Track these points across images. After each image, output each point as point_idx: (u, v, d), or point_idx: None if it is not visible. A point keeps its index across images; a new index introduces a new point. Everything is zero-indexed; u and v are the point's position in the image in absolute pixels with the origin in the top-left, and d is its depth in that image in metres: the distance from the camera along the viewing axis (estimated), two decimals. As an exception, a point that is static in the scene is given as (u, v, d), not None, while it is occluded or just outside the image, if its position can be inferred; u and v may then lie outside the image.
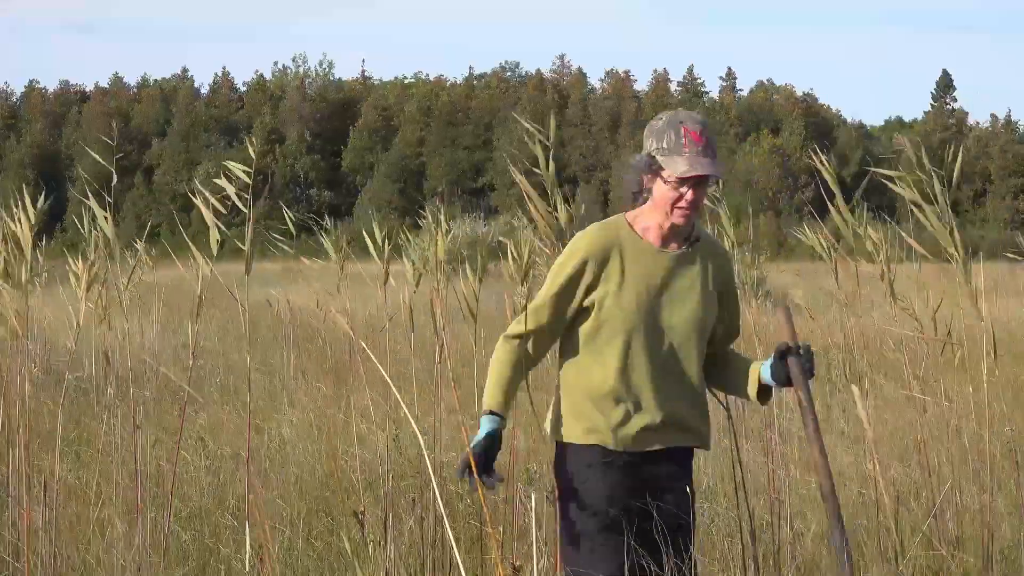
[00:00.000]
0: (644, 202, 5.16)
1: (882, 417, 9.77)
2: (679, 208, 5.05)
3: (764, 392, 5.26)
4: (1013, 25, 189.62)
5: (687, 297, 5.17)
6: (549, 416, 5.24)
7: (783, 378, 5.09)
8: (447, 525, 5.07)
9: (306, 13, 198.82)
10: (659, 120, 5.12)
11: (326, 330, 15.35)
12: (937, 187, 5.99)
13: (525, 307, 5.14)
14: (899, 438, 9.39)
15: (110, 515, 7.30)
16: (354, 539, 6.75)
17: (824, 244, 7.43)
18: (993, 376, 6.33)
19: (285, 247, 8.09)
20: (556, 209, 5.73)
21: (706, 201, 5.31)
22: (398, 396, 4.15)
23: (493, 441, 4.97)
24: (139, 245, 10.45)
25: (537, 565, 5.57)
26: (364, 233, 8.20)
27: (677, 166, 4.98)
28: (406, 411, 4.22)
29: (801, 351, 5.08)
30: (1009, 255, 9.22)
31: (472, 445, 4.92)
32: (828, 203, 6.57)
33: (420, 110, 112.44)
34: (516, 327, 5.12)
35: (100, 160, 6.84)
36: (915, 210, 6.11)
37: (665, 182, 5.03)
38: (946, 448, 7.48)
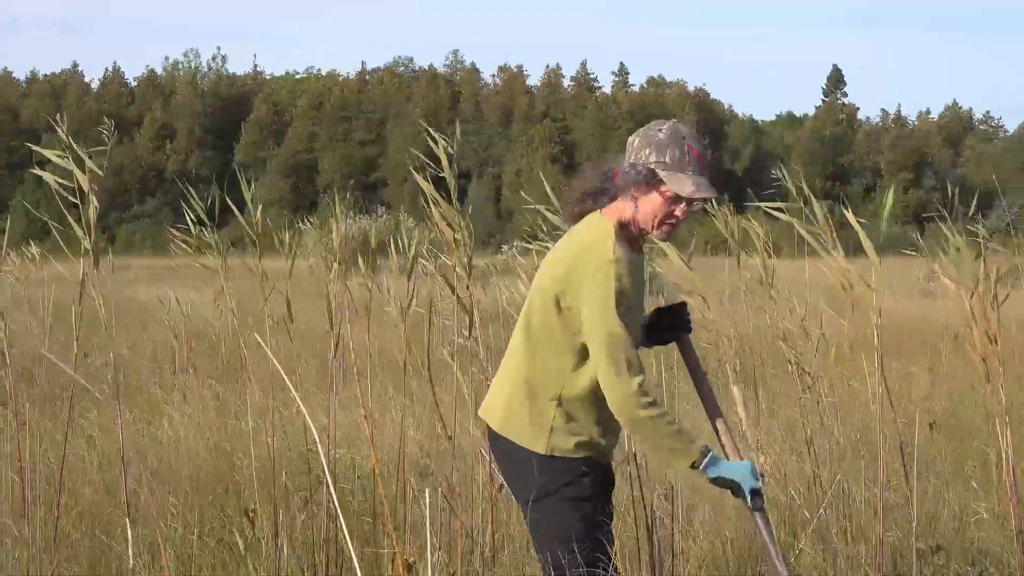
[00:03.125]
0: (606, 203, 5.08)
1: (773, 411, 9.83)
2: (668, 224, 5.01)
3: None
4: (904, 19, 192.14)
5: (643, 301, 5.18)
6: (520, 424, 5.06)
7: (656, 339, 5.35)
8: (341, 521, 5.06)
9: (199, 6, 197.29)
10: (658, 132, 5.07)
11: (219, 326, 15.25)
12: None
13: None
14: (791, 432, 9.46)
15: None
16: (246, 536, 6.71)
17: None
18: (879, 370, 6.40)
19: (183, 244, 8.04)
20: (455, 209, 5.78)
21: None
22: (294, 393, 4.14)
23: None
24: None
25: (431, 560, 5.57)
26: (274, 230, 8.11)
27: (683, 185, 4.93)
28: (301, 406, 4.20)
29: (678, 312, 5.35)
30: (905, 252, 9.27)
31: (744, 477, 4.97)
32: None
33: (312, 105, 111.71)
34: (636, 375, 4.86)
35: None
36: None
37: (662, 196, 4.98)
38: (834, 442, 7.55)
